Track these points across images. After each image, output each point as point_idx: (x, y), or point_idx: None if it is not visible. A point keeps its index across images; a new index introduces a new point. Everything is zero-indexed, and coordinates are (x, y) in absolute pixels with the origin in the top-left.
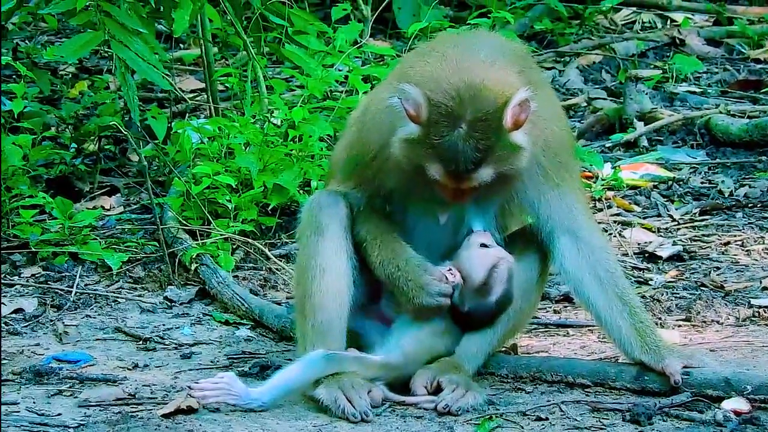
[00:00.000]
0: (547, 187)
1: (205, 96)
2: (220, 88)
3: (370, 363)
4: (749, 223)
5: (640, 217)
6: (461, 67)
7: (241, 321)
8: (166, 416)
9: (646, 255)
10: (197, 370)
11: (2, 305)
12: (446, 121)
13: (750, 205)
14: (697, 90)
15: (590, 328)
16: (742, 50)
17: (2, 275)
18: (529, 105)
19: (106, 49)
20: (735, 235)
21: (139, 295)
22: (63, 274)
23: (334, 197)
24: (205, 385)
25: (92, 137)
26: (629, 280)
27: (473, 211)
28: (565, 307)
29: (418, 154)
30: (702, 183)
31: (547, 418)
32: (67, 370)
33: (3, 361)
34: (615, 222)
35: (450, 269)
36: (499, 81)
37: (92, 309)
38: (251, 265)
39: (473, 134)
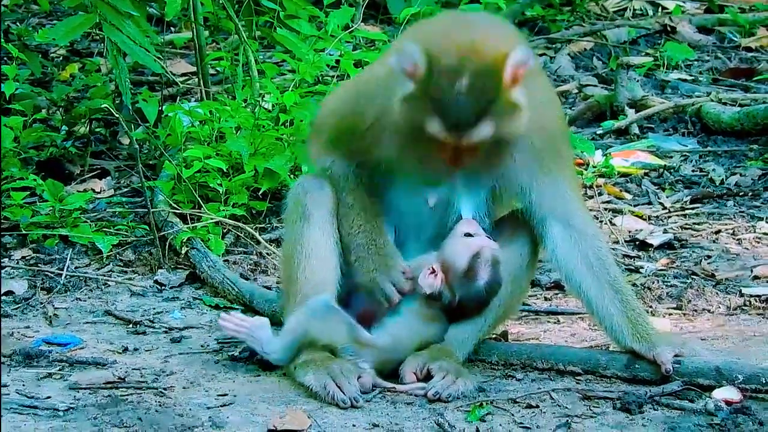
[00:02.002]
0: (540, 172)
1: (196, 79)
2: (212, 71)
3: (361, 335)
4: (740, 211)
5: (630, 205)
6: (460, 25)
7: (232, 305)
8: None
9: (637, 243)
10: (187, 354)
11: None
12: (446, 76)
13: (741, 194)
14: (689, 78)
15: (581, 315)
16: (734, 38)
17: None
18: (528, 61)
19: (97, 32)
20: (726, 224)
21: (129, 279)
22: (53, 257)
23: (319, 182)
24: (233, 319)
25: (83, 120)
26: (620, 269)
27: (463, 194)
28: (556, 294)
29: (417, 111)
30: (693, 171)
31: (537, 406)
32: (57, 352)
33: None
34: (606, 209)
35: (433, 269)
36: (499, 38)
37: (82, 292)
38: (242, 249)
39: (473, 88)
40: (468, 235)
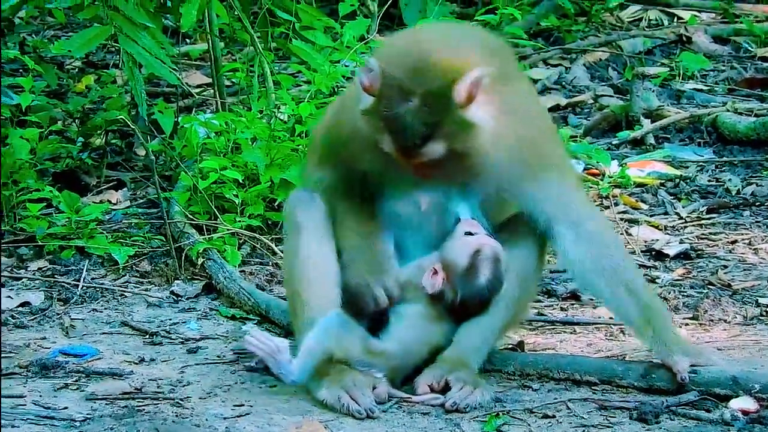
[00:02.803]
0: (527, 182)
1: (212, 91)
2: (227, 83)
3: (371, 346)
4: (756, 221)
5: (647, 215)
6: (421, 43)
7: (248, 316)
8: None
9: (653, 253)
10: (204, 364)
11: (10, 299)
12: (397, 94)
13: (757, 204)
14: (704, 88)
15: (597, 325)
16: (750, 48)
17: (9, 269)
18: (482, 83)
19: (112, 44)
20: (742, 234)
21: (146, 290)
22: (69, 268)
23: (309, 194)
24: (259, 336)
25: (99, 131)
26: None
27: (456, 198)
28: (572, 304)
29: (373, 126)
30: (709, 181)
31: (554, 416)
32: (74, 363)
33: (9, 355)
34: (622, 219)
35: (435, 269)
36: (455, 58)
37: (99, 303)
38: (258, 260)
39: (422, 108)
40: (469, 234)
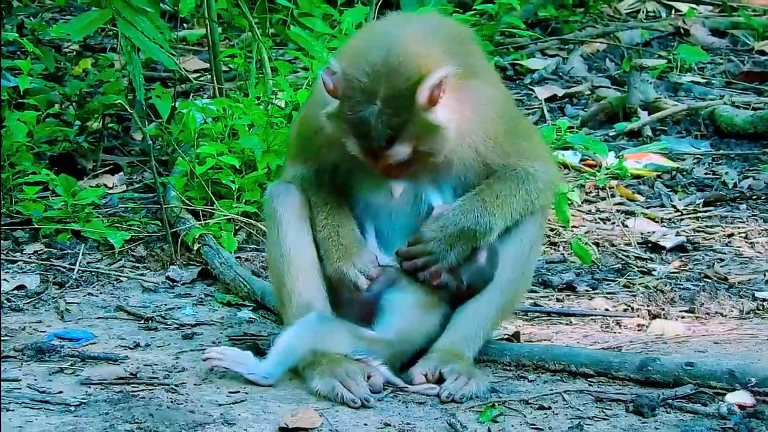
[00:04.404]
0: (497, 165)
1: (210, 76)
2: (225, 68)
3: (364, 334)
4: (753, 215)
5: (643, 207)
6: (382, 42)
7: (243, 302)
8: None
9: (650, 245)
10: (199, 350)
11: (5, 282)
12: (360, 97)
13: (754, 197)
14: (702, 80)
15: (593, 317)
16: (747, 41)
17: (5, 252)
18: (445, 83)
19: (110, 28)
20: (739, 227)
21: (141, 275)
22: (65, 252)
23: (285, 186)
24: (214, 353)
25: (96, 115)
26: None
27: (429, 186)
28: (568, 295)
29: (338, 128)
30: (706, 174)
31: (549, 407)
32: (69, 347)
33: (5, 338)
34: (618, 211)
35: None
36: (418, 58)
37: (94, 287)
38: (254, 246)
39: (386, 111)
40: None
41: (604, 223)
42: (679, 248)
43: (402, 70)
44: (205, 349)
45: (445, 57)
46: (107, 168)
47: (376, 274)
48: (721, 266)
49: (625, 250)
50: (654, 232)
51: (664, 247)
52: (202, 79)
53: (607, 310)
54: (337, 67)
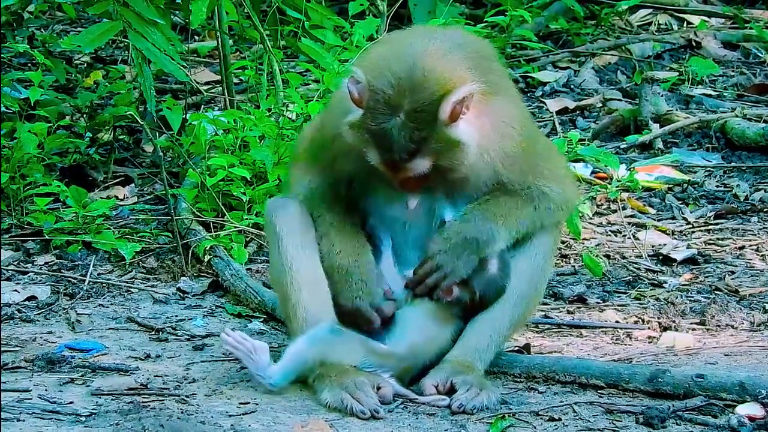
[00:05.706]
0: (514, 182)
1: (221, 88)
2: (236, 80)
3: (375, 348)
4: (764, 227)
5: (654, 220)
6: (408, 55)
7: (254, 314)
8: None
9: (661, 258)
10: (209, 361)
11: (16, 293)
12: (384, 109)
13: (765, 210)
14: (713, 93)
15: (603, 329)
16: (759, 54)
17: (16, 263)
18: (469, 100)
19: (121, 39)
20: (750, 240)
21: (152, 286)
22: (76, 263)
23: (283, 201)
24: (235, 336)
25: (107, 127)
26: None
27: (443, 201)
28: (579, 307)
29: (359, 139)
30: (717, 186)
31: (560, 419)
32: (80, 358)
33: (15, 349)
34: (629, 224)
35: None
36: (443, 73)
37: (105, 298)
38: (264, 258)
39: (409, 124)
40: None
41: (615, 235)
42: (690, 261)
43: (426, 85)
44: (216, 361)
45: (469, 74)
46: (118, 180)
47: (390, 313)
48: (732, 279)
49: (636, 263)
50: (665, 244)
51: (675, 260)
52: (213, 91)
53: (617, 322)
54: (362, 77)
